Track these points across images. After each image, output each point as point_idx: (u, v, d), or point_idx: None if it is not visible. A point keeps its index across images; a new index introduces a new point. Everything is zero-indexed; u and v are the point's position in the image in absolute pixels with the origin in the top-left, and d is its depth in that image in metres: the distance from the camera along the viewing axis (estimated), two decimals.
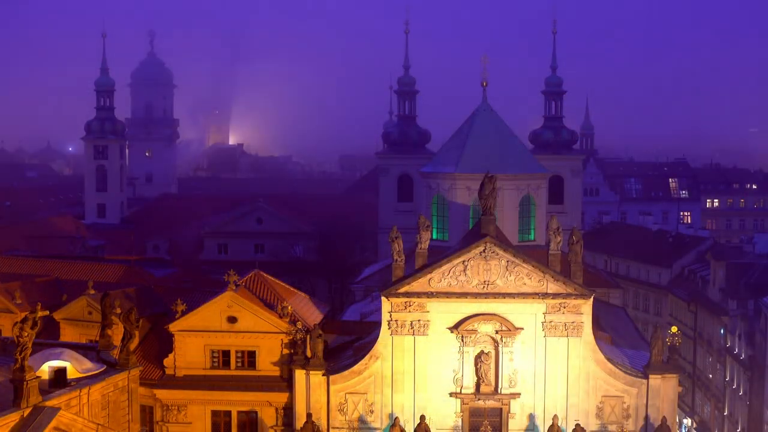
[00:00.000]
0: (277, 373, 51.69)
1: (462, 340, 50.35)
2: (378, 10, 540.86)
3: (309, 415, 49.53)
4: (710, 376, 78.18)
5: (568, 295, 49.94)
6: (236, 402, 51.70)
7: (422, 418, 49.02)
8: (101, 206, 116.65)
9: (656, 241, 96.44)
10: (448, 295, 50.25)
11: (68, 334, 52.72)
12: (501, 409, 50.38)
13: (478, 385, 50.42)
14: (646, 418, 50.01)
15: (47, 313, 39.79)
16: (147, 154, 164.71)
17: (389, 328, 50.61)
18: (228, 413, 51.94)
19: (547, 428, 49.58)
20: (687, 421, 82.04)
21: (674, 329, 55.22)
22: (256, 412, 51.71)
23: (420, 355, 50.50)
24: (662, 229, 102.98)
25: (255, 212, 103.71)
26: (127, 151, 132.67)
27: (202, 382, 51.68)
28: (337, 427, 50.93)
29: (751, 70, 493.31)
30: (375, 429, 50.87)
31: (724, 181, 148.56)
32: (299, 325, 51.78)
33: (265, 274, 56.71)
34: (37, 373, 35.00)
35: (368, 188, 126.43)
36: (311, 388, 50.46)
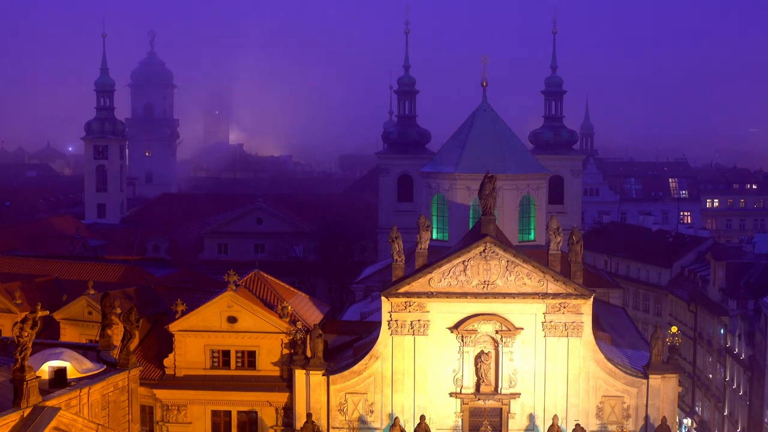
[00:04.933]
0: (277, 373, 51.70)
1: (462, 340, 50.37)
2: (378, 10, 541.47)
3: (309, 415, 49.53)
4: (710, 376, 78.17)
5: (568, 295, 49.95)
6: (236, 402, 51.71)
7: (422, 418, 49.03)
8: (101, 206, 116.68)
9: (656, 241, 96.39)
10: (448, 295, 50.26)
11: (68, 334, 52.72)
12: (501, 409, 50.40)
13: (478, 385, 50.44)
14: (646, 418, 50.03)
15: (47, 313, 39.72)
16: (147, 154, 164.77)
17: (389, 328, 50.63)
18: (228, 413, 51.95)
19: (547, 428, 49.60)
20: (687, 421, 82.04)
21: (674, 329, 55.11)
22: (256, 412, 51.73)
23: (420, 355, 50.52)
24: (662, 229, 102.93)
25: (255, 212, 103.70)
26: (127, 151, 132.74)
27: (202, 382, 51.69)
28: (337, 427, 50.95)
29: (751, 70, 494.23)
30: (375, 429, 50.88)
31: (724, 181, 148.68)
32: (299, 325, 51.79)
33: (265, 274, 56.72)
34: (37, 373, 34.99)
35: (368, 188, 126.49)
36: (311, 388, 50.47)
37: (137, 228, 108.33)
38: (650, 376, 49.96)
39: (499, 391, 50.29)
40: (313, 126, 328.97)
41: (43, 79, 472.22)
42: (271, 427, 51.70)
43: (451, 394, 50.69)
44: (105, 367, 40.76)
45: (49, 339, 48.50)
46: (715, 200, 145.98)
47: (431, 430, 49.22)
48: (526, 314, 50.27)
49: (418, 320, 50.35)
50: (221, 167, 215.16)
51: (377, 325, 52.09)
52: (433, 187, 68.13)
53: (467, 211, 64.48)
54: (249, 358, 51.94)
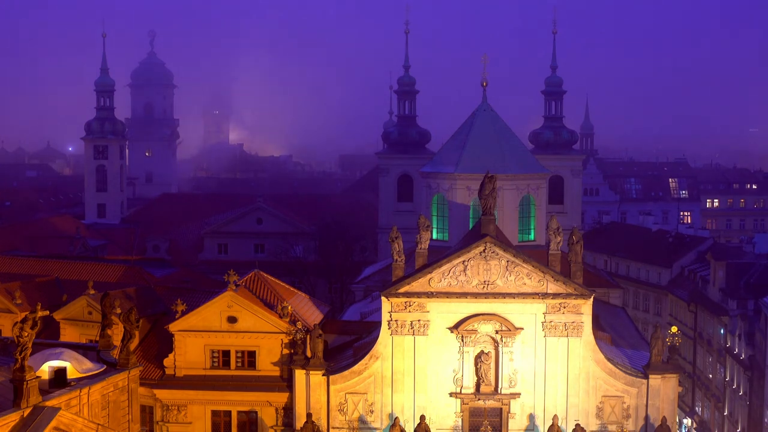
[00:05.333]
0: (277, 373, 51.70)
1: (462, 340, 50.36)
2: (378, 10, 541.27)
3: (309, 415, 49.53)
4: (710, 376, 78.17)
5: (568, 295, 49.94)
6: (236, 402, 51.71)
7: (422, 418, 49.03)
8: (101, 206, 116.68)
9: (656, 241, 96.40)
10: (448, 295, 50.25)
11: (68, 334, 52.72)
12: (501, 409, 50.40)
13: (478, 385, 50.43)
14: (646, 418, 50.02)
15: (47, 313, 39.73)
16: (147, 154, 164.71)
17: (389, 328, 50.62)
18: (228, 413, 51.95)
19: (547, 428, 49.60)
20: (687, 421, 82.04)
21: (674, 329, 55.10)
22: (256, 412, 51.72)
23: (420, 355, 50.51)
24: (662, 229, 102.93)
25: (255, 212, 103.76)
26: (127, 151, 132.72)
27: (202, 382, 51.69)
28: (337, 427, 50.94)
29: (751, 70, 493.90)
30: (375, 429, 50.88)
31: (724, 181, 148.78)
32: (299, 325, 51.79)
33: (265, 274, 56.71)
34: (37, 373, 34.98)
35: (368, 188, 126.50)
36: (311, 388, 50.47)
37: (137, 228, 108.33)
38: (650, 376, 49.95)
39: (499, 391, 50.28)
40: (313, 126, 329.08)
41: (43, 79, 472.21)
42: (271, 427, 51.70)
43: (451, 394, 50.68)
44: (105, 367, 40.74)
45: (49, 339, 48.49)
46: (715, 200, 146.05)
47: (431, 430, 49.21)
48: (526, 314, 50.26)
49: (418, 320, 50.34)
50: (221, 167, 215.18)
51: (377, 325, 52.09)
52: (433, 187, 68.13)
53: (467, 211, 64.49)
54: (249, 358, 51.93)
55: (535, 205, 67.21)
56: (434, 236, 61.47)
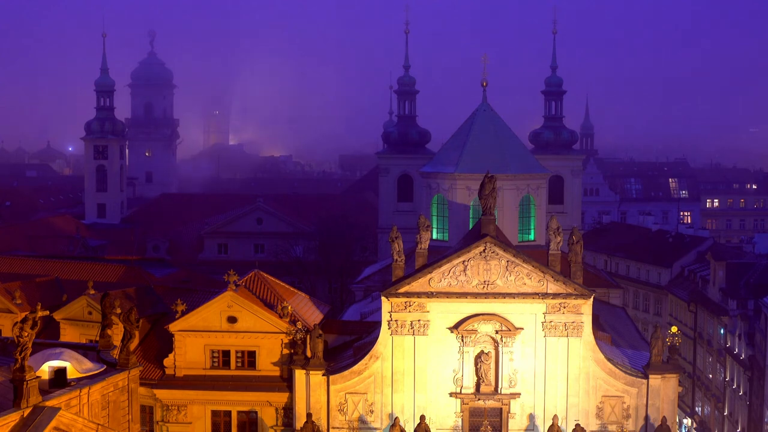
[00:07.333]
0: (277, 373, 51.70)
1: (462, 340, 50.35)
2: (378, 10, 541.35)
3: (309, 415, 49.54)
4: (710, 376, 78.18)
5: (568, 295, 49.93)
6: (236, 402, 51.71)
7: (422, 418, 49.03)
8: (101, 206, 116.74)
9: (656, 241, 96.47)
10: (448, 295, 50.24)
11: (68, 334, 52.71)
12: (501, 409, 50.39)
13: (478, 385, 50.43)
14: (646, 418, 50.02)
15: (47, 313, 39.68)
16: (147, 154, 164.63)
17: (389, 328, 50.62)
18: (228, 413, 51.95)
19: (547, 428, 49.59)
20: (687, 421, 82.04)
21: (674, 329, 55.27)
22: (256, 412, 51.73)
23: (420, 355, 50.50)
24: (662, 229, 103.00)
25: (255, 212, 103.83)
26: (127, 151, 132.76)
27: (202, 382, 51.69)
28: (337, 427, 50.93)
29: (751, 70, 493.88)
30: (375, 429, 50.87)
31: (724, 181, 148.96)
32: (299, 325, 51.78)
33: (265, 274, 56.71)
34: (37, 373, 34.94)
35: (368, 188, 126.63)
36: (311, 388, 50.47)
37: (137, 228, 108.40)
38: (650, 376, 49.94)
39: (499, 391, 50.27)
40: (313, 126, 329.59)
41: (43, 79, 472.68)
42: (271, 427, 51.70)
43: (451, 394, 50.67)
44: (105, 367, 40.69)
45: (49, 339, 48.47)
46: (715, 200, 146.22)
47: (431, 430, 49.21)
48: (526, 314, 50.25)
49: (418, 320, 50.34)
50: (221, 167, 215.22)
51: (377, 325, 52.09)
52: (433, 187, 68.14)
53: (467, 211, 64.53)
54: (249, 358, 51.94)
55: (535, 205, 67.23)
56: (434, 236, 61.51)
